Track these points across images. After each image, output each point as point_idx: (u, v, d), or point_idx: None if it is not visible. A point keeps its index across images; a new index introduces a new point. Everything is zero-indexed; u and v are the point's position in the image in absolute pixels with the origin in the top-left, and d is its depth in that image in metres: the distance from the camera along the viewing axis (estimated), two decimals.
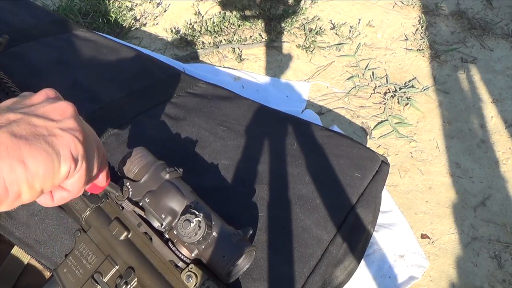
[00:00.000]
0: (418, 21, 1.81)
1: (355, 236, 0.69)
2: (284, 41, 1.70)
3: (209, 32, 1.72)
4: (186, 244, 0.48)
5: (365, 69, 1.60)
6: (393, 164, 1.31)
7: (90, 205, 0.53)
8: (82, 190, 0.37)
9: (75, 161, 0.33)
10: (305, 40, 1.70)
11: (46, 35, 0.92)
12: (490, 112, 1.47)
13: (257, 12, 1.81)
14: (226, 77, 1.44)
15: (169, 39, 1.70)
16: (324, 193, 0.67)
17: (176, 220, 0.48)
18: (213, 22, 1.76)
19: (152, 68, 0.91)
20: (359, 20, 1.81)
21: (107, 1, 1.80)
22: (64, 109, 0.35)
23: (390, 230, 0.87)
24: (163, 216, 0.49)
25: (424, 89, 1.53)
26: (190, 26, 1.75)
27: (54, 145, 0.32)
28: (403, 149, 1.37)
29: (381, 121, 1.43)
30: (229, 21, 1.76)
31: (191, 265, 0.47)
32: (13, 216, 0.61)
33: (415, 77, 1.58)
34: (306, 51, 1.66)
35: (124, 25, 1.73)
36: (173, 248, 0.49)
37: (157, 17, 1.80)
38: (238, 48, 1.65)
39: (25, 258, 0.65)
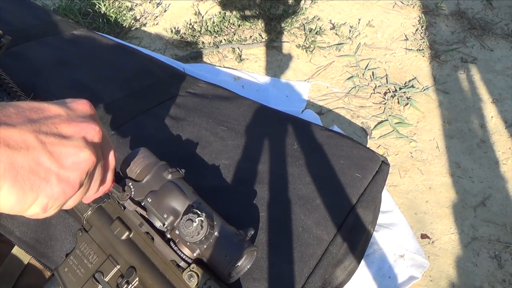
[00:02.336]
0: (418, 21, 1.81)
1: (355, 236, 0.69)
2: (284, 41, 1.70)
3: (209, 32, 1.72)
4: (188, 243, 0.48)
5: (365, 69, 1.60)
6: (393, 164, 1.31)
7: (91, 205, 0.53)
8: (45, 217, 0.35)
9: (46, 209, 0.32)
10: (305, 40, 1.70)
11: (46, 35, 0.92)
12: (490, 112, 1.47)
13: (257, 12, 1.81)
14: (226, 77, 1.44)
15: (169, 39, 1.70)
16: (324, 193, 0.67)
17: (178, 220, 0.48)
18: (213, 22, 1.76)
19: (152, 68, 0.91)
20: (359, 20, 1.81)
21: (107, 1, 1.80)
22: (82, 161, 0.33)
23: (390, 230, 0.87)
24: (165, 216, 0.49)
25: (424, 89, 1.53)
26: (190, 26, 1.75)
27: (37, 190, 0.31)
28: (403, 149, 1.37)
29: (381, 121, 1.44)
30: (229, 21, 1.76)
31: (193, 265, 0.47)
32: (13, 216, 0.61)
33: (415, 77, 1.58)
34: (306, 51, 1.67)
35: (124, 25, 1.73)
36: (175, 248, 0.49)
37: (157, 17, 1.80)
38: (238, 48, 1.65)
39: (26, 258, 0.65)
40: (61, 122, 0.33)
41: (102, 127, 0.36)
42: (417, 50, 1.69)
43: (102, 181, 0.38)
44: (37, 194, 0.31)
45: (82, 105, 0.35)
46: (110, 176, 0.40)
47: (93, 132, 0.34)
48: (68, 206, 0.35)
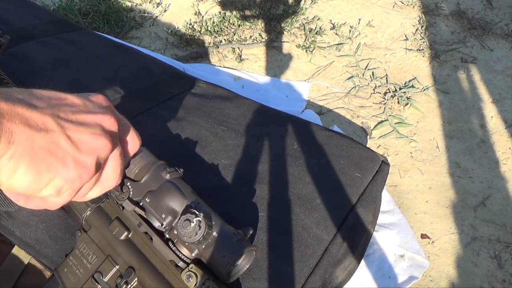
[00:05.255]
0: (418, 21, 1.81)
1: (355, 236, 0.68)
2: (284, 41, 1.70)
3: (209, 32, 1.72)
4: (187, 244, 0.48)
5: (365, 69, 1.60)
6: (393, 164, 1.31)
7: (90, 205, 0.53)
8: (55, 208, 0.36)
9: (60, 192, 0.33)
10: (305, 40, 1.70)
11: (46, 34, 0.92)
12: (490, 112, 1.47)
13: (257, 12, 1.81)
14: (226, 77, 1.44)
15: (169, 39, 1.70)
16: (324, 193, 0.67)
17: (177, 220, 0.48)
18: (213, 22, 1.76)
19: (152, 68, 0.91)
20: (359, 20, 1.81)
21: (107, 1, 1.80)
22: (98, 147, 0.34)
23: (390, 230, 0.87)
24: (163, 216, 0.49)
25: (424, 89, 1.53)
26: (190, 26, 1.75)
27: (53, 172, 0.31)
28: (403, 149, 1.37)
29: (381, 121, 1.44)
30: (229, 21, 1.76)
31: (191, 265, 0.47)
32: (13, 216, 0.61)
33: (415, 77, 1.58)
34: (306, 51, 1.67)
35: (124, 25, 1.73)
36: (174, 248, 0.49)
37: (157, 17, 1.80)
38: (238, 48, 1.65)
39: (26, 258, 0.65)
40: (79, 111, 0.34)
41: (120, 117, 0.38)
42: (417, 50, 1.68)
43: (121, 170, 0.38)
44: (53, 176, 0.31)
45: (97, 98, 0.37)
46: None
47: (109, 122, 0.35)
48: (81, 196, 0.36)
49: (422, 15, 1.82)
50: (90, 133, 0.33)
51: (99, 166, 0.35)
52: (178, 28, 1.75)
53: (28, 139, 0.29)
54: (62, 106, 0.33)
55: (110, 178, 0.37)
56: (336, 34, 1.75)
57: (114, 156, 0.37)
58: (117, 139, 0.37)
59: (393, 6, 1.88)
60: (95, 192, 0.37)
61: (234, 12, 1.81)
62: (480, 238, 1.16)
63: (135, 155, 0.41)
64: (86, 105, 0.35)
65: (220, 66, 1.55)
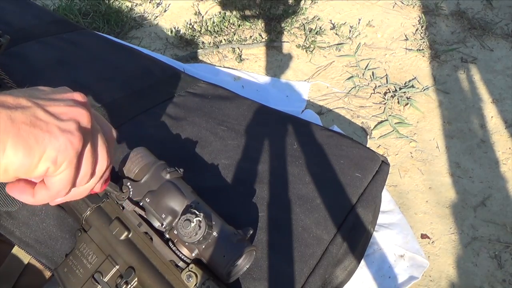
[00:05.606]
0: (418, 21, 1.81)
1: (355, 236, 0.68)
2: (284, 41, 1.70)
3: (209, 32, 1.72)
4: (187, 244, 0.48)
5: (365, 69, 1.60)
6: (393, 164, 1.31)
7: (90, 205, 0.53)
8: (62, 192, 0.36)
9: (58, 164, 0.33)
10: (305, 40, 1.70)
11: (46, 35, 0.92)
12: (490, 112, 1.47)
13: (257, 12, 1.81)
14: (226, 77, 1.44)
15: (169, 39, 1.70)
16: (324, 193, 0.67)
17: (177, 220, 0.48)
18: (213, 22, 1.76)
19: (152, 68, 0.91)
20: (359, 20, 1.81)
21: (107, 1, 1.80)
22: (77, 115, 0.35)
23: (390, 230, 0.87)
24: (163, 216, 0.49)
25: (424, 89, 1.53)
26: (190, 26, 1.75)
27: (42, 143, 0.32)
28: (403, 149, 1.37)
29: (381, 121, 1.44)
30: (229, 21, 1.76)
31: (192, 265, 0.47)
32: (13, 216, 0.61)
33: (415, 77, 1.58)
34: (306, 51, 1.66)
35: (124, 25, 1.73)
36: (174, 248, 0.49)
37: (157, 17, 1.80)
38: (238, 48, 1.65)
39: (26, 257, 0.65)
40: (49, 93, 0.36)
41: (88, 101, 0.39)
42: (417, 50, 1.68)
43: (107, 154, 0.39)
44: (44, 147, 0.32)
45: (62, 87, 0.39)
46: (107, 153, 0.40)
47: (80, 97, 0.37)
48: (82, 177, 0.36)
49: (422, 15, 1.82)
50: (64, 105, 0.35)
51: (85, 133, 0.35)
52: (178, 28, 1.75)
53: (8, 117, 0.30)
54: (33, 91, 0.35)
55: (101, 158, 0.38)
56: (336, 34, 1.75)
57: (97, 134, 0.38)
58: (91, 111, 0.38)
59: (393, 6, 1.88)
60: (93, 180, 0.38)
61: (234, 12, 1.81)
62: (480, 238, 1.16)
63: (112, 140, 0.42)
64: (53, 90, 0.37)
65: (220, 66, 1.55)
